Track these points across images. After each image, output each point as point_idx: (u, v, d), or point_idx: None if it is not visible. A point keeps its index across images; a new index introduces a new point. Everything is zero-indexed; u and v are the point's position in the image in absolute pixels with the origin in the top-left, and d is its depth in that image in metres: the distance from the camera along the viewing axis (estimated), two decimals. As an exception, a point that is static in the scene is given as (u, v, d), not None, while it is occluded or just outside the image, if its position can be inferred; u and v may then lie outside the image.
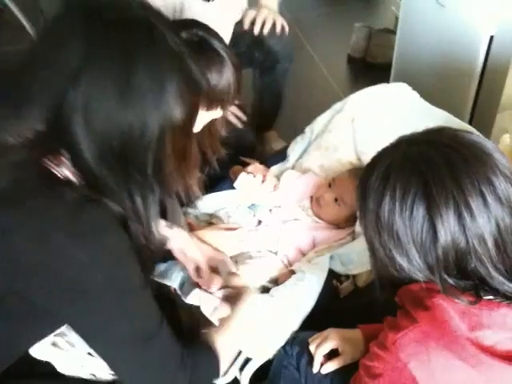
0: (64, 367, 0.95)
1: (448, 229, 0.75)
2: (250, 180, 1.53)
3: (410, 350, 0.76)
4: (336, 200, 1.47)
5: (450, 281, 0.76)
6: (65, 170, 0.77)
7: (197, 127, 1.21)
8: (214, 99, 1.22)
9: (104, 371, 0.97)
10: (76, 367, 0.96)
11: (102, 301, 0.78)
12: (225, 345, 1.00)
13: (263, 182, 1.55)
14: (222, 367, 0.98)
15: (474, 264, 0.76)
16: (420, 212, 0.76)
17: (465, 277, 0.77)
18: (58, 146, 0.75)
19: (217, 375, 1.00)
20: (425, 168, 0.77)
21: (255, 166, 1.60)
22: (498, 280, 0.76)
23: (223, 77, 1.22)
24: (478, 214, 0.74)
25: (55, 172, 0.76)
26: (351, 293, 1.35)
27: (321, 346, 1.09)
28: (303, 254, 1.44)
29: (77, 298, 0.76)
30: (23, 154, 0.74)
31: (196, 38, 1.21)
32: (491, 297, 0.76)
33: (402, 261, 0.79)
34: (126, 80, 0.73)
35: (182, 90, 0.78)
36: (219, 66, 1.21)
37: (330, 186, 1.50)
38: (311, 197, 1.54)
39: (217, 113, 1.28)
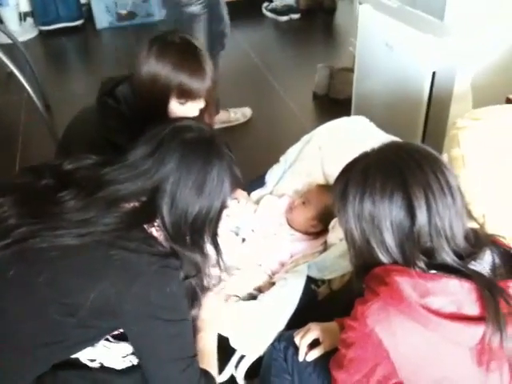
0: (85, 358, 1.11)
1: (423, 209, 0.94)
2: (235, 205, 1.73)
3: (375, 316, 0.92)
4: (304, 203, 1.71)
5: (415, 256, 0.94)
6: (154, 231, 1.08)
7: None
8: (188, 96, 1.39)
9: (114, 361, 1.13)
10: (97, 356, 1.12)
11: (163, 325, 1.04)
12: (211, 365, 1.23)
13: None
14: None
15: (431, 239, 0.94)
16: (399, 197, 0.95)
17: (422, 252, 0.95)
18: (154, 213, 1.07)
19: None
20: (398, 163, 0.97)
21: (239, 192, 1.80)
22: (447, 252, 0.95)
23: (199, 81, 1.37)
24: (438, 196, 0.94)
25: (148, 230, 1.08)
26: (327, 295, 1.53)
27: (304, 337, 1.26)
28: (283, 265, 1.64)
29: (147, 320, 1.03)
30: (132, 214, 1.06)
31: (178, 40, 1.39)
32: (434, 271, 0.95)
33: (376, 245, 0.98)
34: (204, 180, 1.08)
35: (232, 185, 1.14)
36: (196, 70, 1.37)
37: (301, 196, 1.76)
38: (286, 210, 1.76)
39: (191, 108, 1.43)
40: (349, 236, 1.04)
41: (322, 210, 1.68)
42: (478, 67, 2.03)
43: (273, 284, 1.52)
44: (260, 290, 1.56)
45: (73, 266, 1.01)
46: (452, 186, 0.96)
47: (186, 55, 1.38)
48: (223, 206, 1.14)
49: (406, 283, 0.92)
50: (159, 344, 1.05)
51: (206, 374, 1.14)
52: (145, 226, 1.08)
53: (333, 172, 1.77)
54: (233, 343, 1.39)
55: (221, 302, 1.41)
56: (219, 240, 1.20)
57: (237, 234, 1.73)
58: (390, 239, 0.96)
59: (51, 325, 1.01)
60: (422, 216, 0.94)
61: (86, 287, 0.99)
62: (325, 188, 1.74)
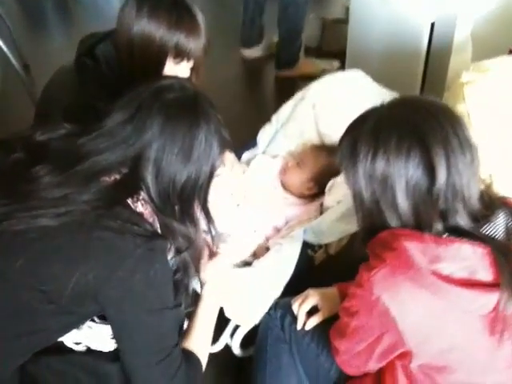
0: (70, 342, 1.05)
1: (443, 167, 0.86)
2: (221, 169, 1.65)
3: (381, 284, 0.88)
4: (298, 164, 1.64)
5: (433, 218, 0.88)
6: (139, 206, 1.00)
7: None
8: (184, 56, 1.31)
9: (101, 343, 1.06)
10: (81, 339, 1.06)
11: (144, 314, 0.97)
12: (199, 346, 1.15)
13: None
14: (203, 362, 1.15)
15: (445, 201, 0.88)
16: (417, 155, 0.87)
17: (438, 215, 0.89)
18: (137, 185, 0.99)
19: (201, 374, 1.14)
20: (415, 119, 0.89)
21: (226, 155, 1.71)
22: (461, 215, 0.89)
23: (196, 40, 1.30)
24: (458, 154, 0.87)
25: (132, 206, 0.99)
26: (324, 260, 1.49)
27: (303, 304, 1.21)
28: (278, 231, 1.57)
29: (128, 307, 0.96)
30: (113, 188, 0.98)
31: None
32: (446, 234, 0.89)
33: (386, 207, 0.91)
34: (191, 144, 1.00)
35: (220, 147, 1.05)
36: (192, 29, 1.30)
37: (295, 158, 1.69)
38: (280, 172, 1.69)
39: (184, 68, 1.35)
40: (357, 198, 0.97)
41: (318, 171, 1.61)
42: (479, 17, 1.96)
43: (268, 249, 1.46)
44: (255, 255, 1.50)
45: (52, 249, 0.93)
46: (471, 144, 0.89)
47: (181, 13, 1.29)
48: (213, 171, 1.07)
49: (415, 248, 0.87)
50: (138, 333, 0.99)
51: (188, 360, 1.08)
52: (129, 202, 1.00)
53: (328, 131, 1.70)
54: (227, 313, 1.33)
55: (228, 266, 1.34)
56: (212, 207, 1.12)
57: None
58: (402, 201, 0.90)
59: (30, 313, 0.95)
60: (441, 175, 0.87)
61: (67, 272, 0.91)
62: (320, 148, 1.66)
